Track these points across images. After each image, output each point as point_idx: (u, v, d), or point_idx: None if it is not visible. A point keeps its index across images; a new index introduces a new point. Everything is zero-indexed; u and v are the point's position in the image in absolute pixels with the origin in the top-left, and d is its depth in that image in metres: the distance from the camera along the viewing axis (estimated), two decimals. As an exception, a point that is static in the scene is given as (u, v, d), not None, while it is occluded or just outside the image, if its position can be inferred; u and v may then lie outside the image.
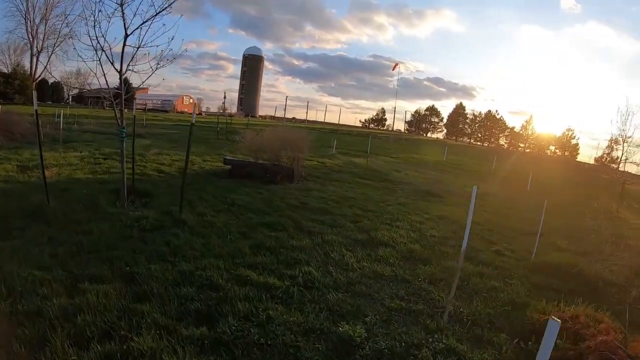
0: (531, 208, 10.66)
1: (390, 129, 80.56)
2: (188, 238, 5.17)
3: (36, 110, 5.64)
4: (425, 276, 4.81)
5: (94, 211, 5.80)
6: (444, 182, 15.43)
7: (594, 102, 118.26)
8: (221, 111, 68.64)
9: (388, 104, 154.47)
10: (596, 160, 52.27)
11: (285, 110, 45.20)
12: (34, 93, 5.60)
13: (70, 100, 55.14)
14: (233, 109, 68.79)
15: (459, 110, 77.16)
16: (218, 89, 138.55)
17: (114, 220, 5.50)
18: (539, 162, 40.33)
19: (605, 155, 51.02)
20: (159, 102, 51.02)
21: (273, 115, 65.22)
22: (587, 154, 58.47)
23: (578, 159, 55.83)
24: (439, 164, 23.83)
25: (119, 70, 5.79)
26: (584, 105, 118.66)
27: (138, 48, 5.78)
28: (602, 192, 18.52)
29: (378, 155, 23.26)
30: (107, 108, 43.86)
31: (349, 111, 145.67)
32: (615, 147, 51.41)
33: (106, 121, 20.09)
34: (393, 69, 49.15)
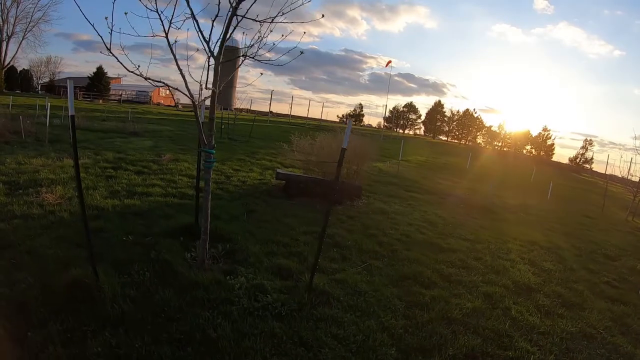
0: (578, 222, 11.36)
1: (368, 125, 79.40)
2: (355, 323, 3.42)
3: (72, 116, 3.20)
4: (602, 327, 4.29)
5: (171, 281, 3.49)
6: (477, 191, 13.93)
7: (561, 101, 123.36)
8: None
9: (359, 99, 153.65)
10: (570, 160, 53.74)
11: (270, 105, 42.01)
12: (70, 83, 3.19)
13: (39, 89, 49.84)
14: (207, 101, 64.61)
15: (437, 107, 77.19)
16: (188, 80, 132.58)
17: (217, 299, 3.29)
18: (528, 164, 40.55)
19: (579, 155, 52.67)
20: (134, 93, 46.54)
21: (249, 108, 61.88)
22: (558, 153, 60.04)
23: (553, 159, 57.12)
24: (451, 167, 22.51)
25: (213, 53, 3.46)
26: (552, 104, 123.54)
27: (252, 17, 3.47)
28: (606, 200, 18.75)
29: (387, 158, 21.58)
30: (81, 99, 39.44)
31: (319, 105, 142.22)
32: (589, 148, 53.30)
33: (89, 114, 16.89)
34: (386, 66, 47.50)
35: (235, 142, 15.73)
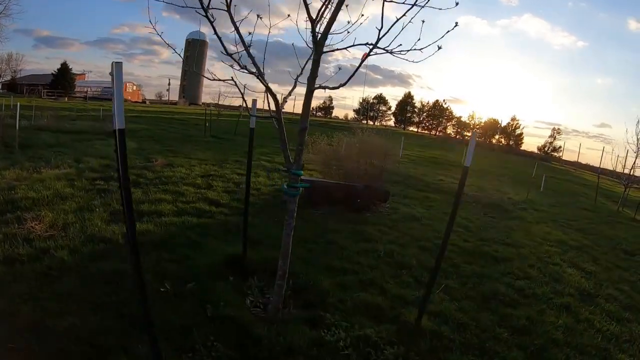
0: (582, 216, 11.50)
1: (335, 117, 78.72)
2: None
3: (121, 131, 2.11)
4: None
5: (253, 351, 2.52)
6: (480, 187, 13.37)
7: (526, 91, 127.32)
8: (158, 98, 61.46)
9: (325, 91, 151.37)
10: (539, 149, 55.41)
11: (243, 99, 39.56)
12: (116, 68, 2.22)
13: (0, 87, 45.29)
14: (173, 96, 61.41)
15: (407, 99, 77.62)
16: (152, 75, 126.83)
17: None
18: (509, 156, 41.45)
19: (547, 144, 54.57)
20: (100, 90, 43.19)
21: (217, 102, 59.79)
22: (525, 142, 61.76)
23: (522, 148, 58.83)
24: (442, 161, 22.26)
25: (316, 38, 2.48)
26: (516, 94, 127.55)
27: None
28: (589, 190, 19.36)
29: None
30: (45, 97, 35.65)
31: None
32: (557, 136, 55.00)
33: (58, 113, 14.92)
34: (363, 59, 45.96)
35: (221, 141, 14.48)
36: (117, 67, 1.88)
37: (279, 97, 2.78)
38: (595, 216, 12.10)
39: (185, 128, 17.50)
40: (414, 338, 3.05)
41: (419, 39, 2.41)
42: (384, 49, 2.42)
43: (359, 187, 7.33)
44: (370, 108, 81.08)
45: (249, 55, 2.55)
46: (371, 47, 2.41)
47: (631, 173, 14.18)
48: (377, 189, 7.54)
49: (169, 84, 57.46)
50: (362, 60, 2.50)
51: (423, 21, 2.37)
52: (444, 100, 75.43)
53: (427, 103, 76.25)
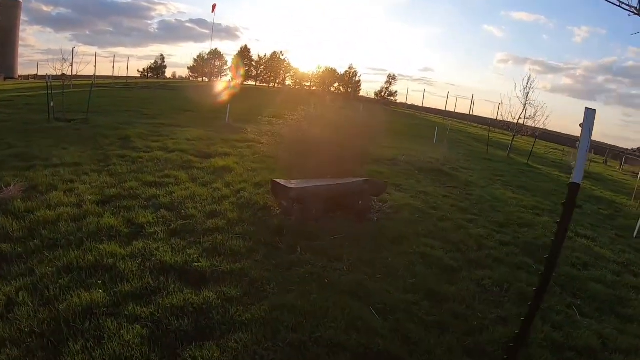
0: (501, 169, 12.37)
1: (163, 77, 69.57)
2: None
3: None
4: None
5: None
6: (396, 148, 12.80)
7: (351, 38, 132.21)
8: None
9: (149, 50, 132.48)
10: (376, 94, 59.88)
11: (72, 68, 28.97)
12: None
13: None
14: None
15: (244, 52, 73.50)
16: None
17: None
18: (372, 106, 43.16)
19: (384, 89, 59.42)
20: None
21: (36, 74, 45.90)
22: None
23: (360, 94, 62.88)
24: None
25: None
26: (341, 41, 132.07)
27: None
28: (460, 136, 21.71)
29: (250, 117, 18.07)
30: None
31: (107, 60, 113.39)
32: (392, 82, 59.34)
33: None
34: (212, 11, 39.19)
35: (74, 124, 9.98)
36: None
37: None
38: (509, 168, 12.96)
39: (16, 112, 11.57)
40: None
41: None
42: None
43: (357, 184, 5.45)
44: (205, 65, 74.34)
45: None
46: None
47: (518, 122, 16.55)
48: (376, 182, 5.81)
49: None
50: None
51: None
52: (281, 52, 74.21)
53: (265, 56, 74.05)
